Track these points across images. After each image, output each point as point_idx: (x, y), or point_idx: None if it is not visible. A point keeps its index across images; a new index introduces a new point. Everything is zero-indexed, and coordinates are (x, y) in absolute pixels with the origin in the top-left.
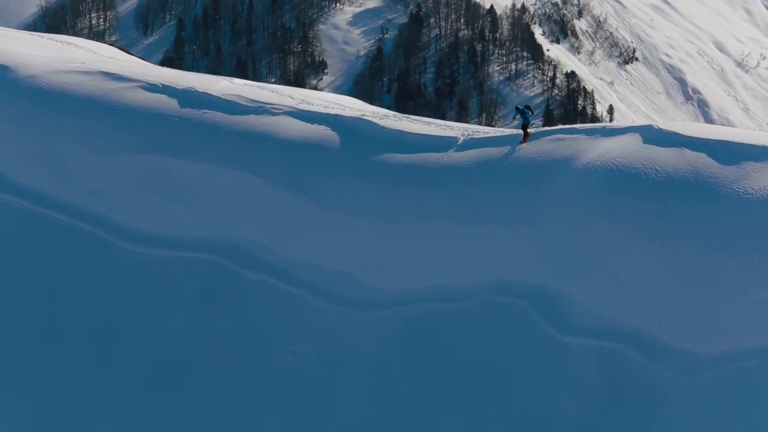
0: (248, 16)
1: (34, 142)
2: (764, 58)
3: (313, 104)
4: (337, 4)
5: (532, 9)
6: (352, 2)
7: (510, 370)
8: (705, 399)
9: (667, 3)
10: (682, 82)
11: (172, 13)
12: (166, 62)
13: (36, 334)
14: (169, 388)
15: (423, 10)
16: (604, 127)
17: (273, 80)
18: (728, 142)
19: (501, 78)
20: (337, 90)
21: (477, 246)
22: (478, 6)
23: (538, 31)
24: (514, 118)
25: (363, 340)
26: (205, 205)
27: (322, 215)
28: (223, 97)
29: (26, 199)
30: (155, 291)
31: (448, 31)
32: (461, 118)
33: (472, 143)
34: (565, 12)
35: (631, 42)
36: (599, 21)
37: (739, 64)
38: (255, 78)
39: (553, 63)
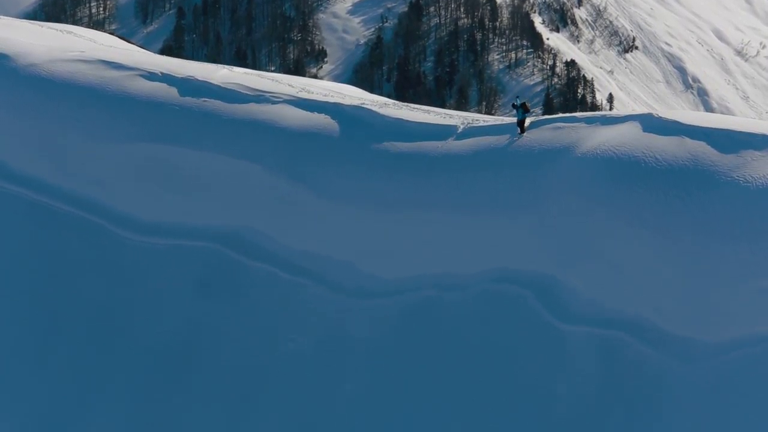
0: (248, 4)
1: (34, 131)
2: (764, 46)
3: (312, 93)
4: None
5: None
6: None
7: (509, 358)
8: (704, 387)
9: None
10: (682, 71)
11: (172, 1)
12: (165, 51)
13: (36, 323)
14: (170, 376)
15: None
16: (603, 116)
17: (273, 69)
18: (728, 130)
19: (501, 66)
20: (337, 78)
21: (476, 234)
22: None
23: (537, 20)
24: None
25: (362, 327)
26: (205, 194)
27: (322, 203)
28: (222, 85)
29: (26, 188)
30: (155, 279)
31: (448, 20)
32: (461, 106)
33: (471, 132)
34: (565, 1)
35: (631, 31)
36: (599, 10)
37: (739, 53)
38: (255, 67)
39: (552, 52)
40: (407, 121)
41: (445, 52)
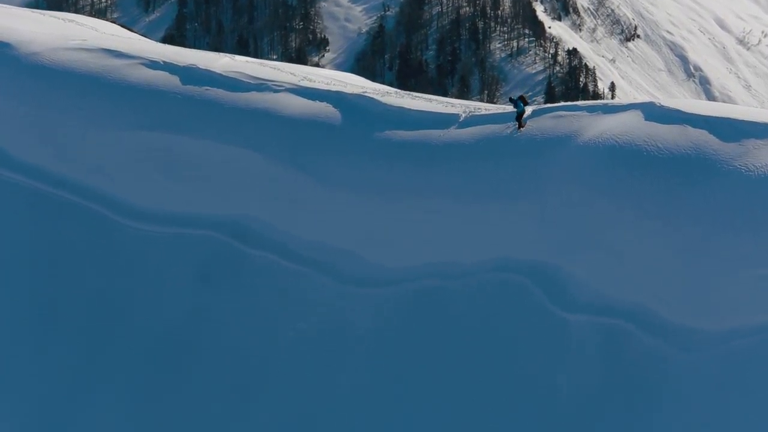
0: None
1: (36, 119)
2: (766, 35)
3: (314, 81)
4: None
5: None
6: None
7: (511, 346)
8: (706, 376)
9: None
10: (684, 60)
11: None
12: (167, 39)
13: (36, 311)
14: (170, 364)
15: None
16: (605, 104)
17: (274, 57)
18: (730, 119)
19: (502, 55)
20: (339, 67)
21: (478, 223)
22: None
23: (539, 9)
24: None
25: (364, 316)
26: (207, 182)
27: (324, 192)
28: (224, 74)
29: (27, 176)
30: (156, 268)
31: (450, 8)
32: (463, 95)
33: (473, 120)
34: None
35: (633, 19)
36: None
37: (741, 42)
38: (256, 55)
39: (554, 40)
40: (409, 109)
41: (446, 41)
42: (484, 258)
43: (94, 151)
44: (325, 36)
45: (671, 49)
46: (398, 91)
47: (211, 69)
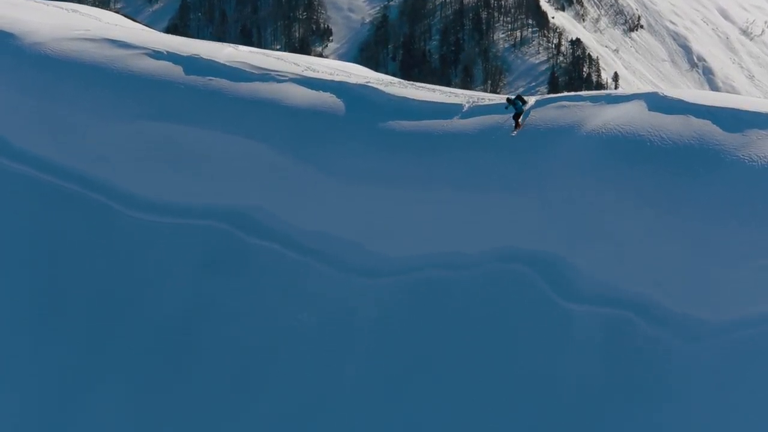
0: None
1: (39, 109)
2: None
3: (318, 71)
4: None
5: None
6: None
7: (514, 337)
8: (709, 366)
9: None
10: (687, 50)
11: None
12: (171, 29)
13: (39, 301)
14: (173, 355)
15: None
16: (609, 95)
17: (278, 47)
18: (733, 109)
19: (506, 45)
20: (342, 57)
21: (481, 213)
22: None
23: None
24: (506, 108)
25: (367, 306)
26: (210, 173)
27: (328, 182)
28: (228, 64)
29: (31, 166)
30: (160, 258)
31: None
32: (466, 85)
33: (477, 110)
34: None
35: (636, 9)
36: None
37: (744, 32)
38: (260, 45)
39: (558, 30)
40: (412, 99)
41: (450, 31)
42: (487, 248)
43: (97, 141)
44: (328, 26)
45: (674, 40)
46: (401, 81)
47: (215, 59)
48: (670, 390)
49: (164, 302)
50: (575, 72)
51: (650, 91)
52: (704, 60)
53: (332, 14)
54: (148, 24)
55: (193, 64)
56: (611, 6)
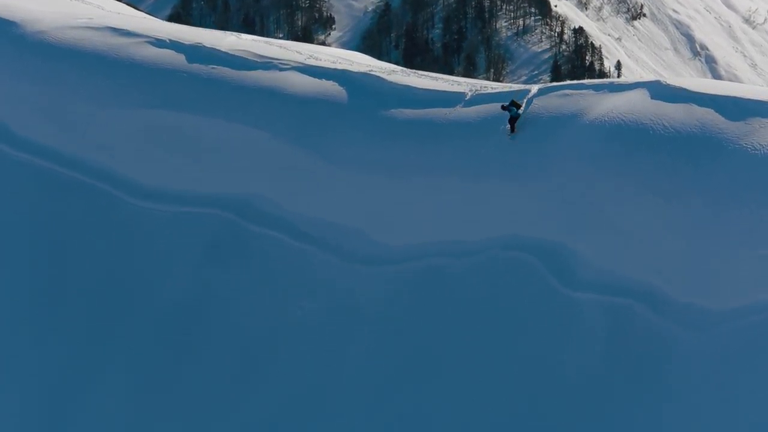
0: None
1: (42, 98)
2: None
3: (320, 60)
4: None
5: None
6: None
7: (517, 325)
8: (712, 354)
9: None
10: (690, 38)
11: None
12: (173, 18)
13: (40, 290)
14: (177, 344)
15: None
16: (612, 83)
17: (281, 36)
18: (736, 98)
19: (509, 34)
20: (345, 45)
21: (485, 201)
22: None
23: None
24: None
25: (371, 294)
26: (213, 161)
27: (330, 170)
28: (230, 52)
29: (34, 154)
30: (162, 246)
31: None
32: (469, 73)
33: (479, 99)
34: None
35: None
36: None
37: (747, 21)
38: (263, 33)
39: (560, 19)
40: (415, 88)
41: (453, 19)
42: (490, 236)
43: (100, 129)
44: (331, 14)
45: (677, 28)
46: (404, 69)
47: (218, 48)
48: (673, 378)
49: (166, 291)
50: (578, 60)
51: (653, 80)
52: (707, 48)
53: (335, 2)
54: (151, 12)
55: (195, 53)
56: None
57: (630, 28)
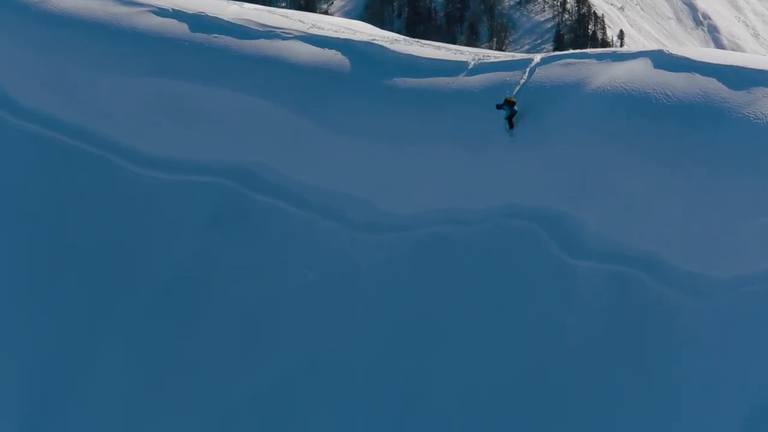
0: None
1: (44, 66)
2: None
3: (323, 29)
4: None
5: None
6: None
7: (520, 292)
8: (716, 322)
9: None
10: (693, 8)
11: None
12: None
13: (42, 258)
14: (178, 311)
15: None
16: (614, 52)
17: (283, 5)
18: (738, 67)
19: (511, 3)
20: (348, 15)
21: (487, 169)
22: None
23: None
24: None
25: (374, 263)
26: (215, 129)
27: (334, 139)
28: (233, 21)
29: (35, 123)
30: (164, 214)
31: None
32: (472, 42)
33: (482, 68)
34: None
35: None
36: None
37: None
38: (265, 3)
39: None
40: (418, 57)
41: None
42: (492, 204)
43: (102, 97)
44: None
45: None
46: (407, 38)
47: (220, 16)
48: (677, 346)
49: (170, 259)
50: (580, 30)
51: (656, 49)
52: (709, 18)
53: None
54: None
55: (198, 22)
56: None
57: None
